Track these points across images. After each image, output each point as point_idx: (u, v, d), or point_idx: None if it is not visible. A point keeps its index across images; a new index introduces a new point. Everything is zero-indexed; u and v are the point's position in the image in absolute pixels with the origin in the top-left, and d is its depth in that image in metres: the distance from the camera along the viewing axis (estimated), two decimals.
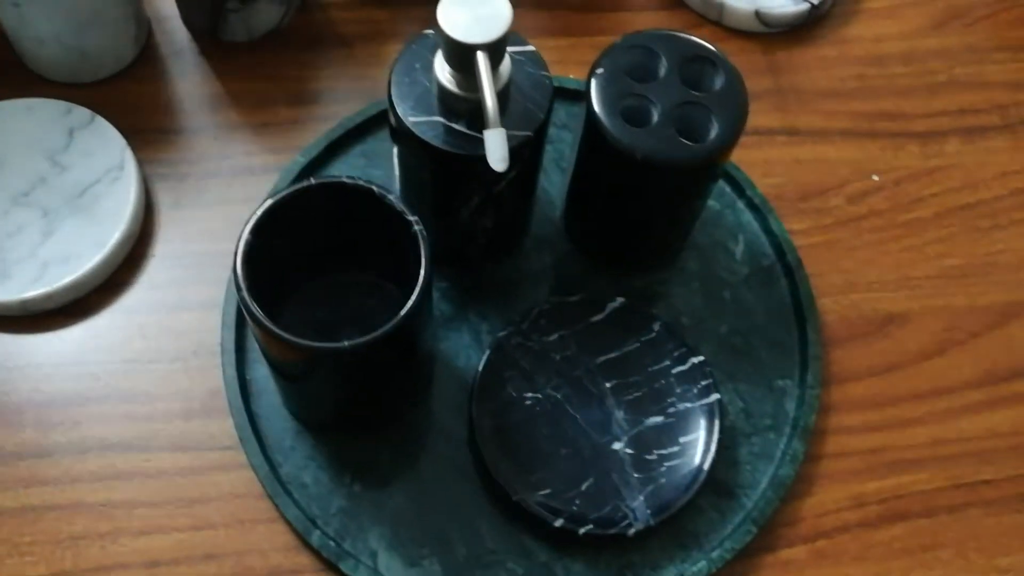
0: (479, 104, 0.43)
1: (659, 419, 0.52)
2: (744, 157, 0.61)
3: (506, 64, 0.46)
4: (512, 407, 0.52)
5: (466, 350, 0.54)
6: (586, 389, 0.52)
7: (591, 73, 0.49)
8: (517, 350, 0.53)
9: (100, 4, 0.56)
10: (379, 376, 0.47)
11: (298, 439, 0.52)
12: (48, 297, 0.53)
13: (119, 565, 0.49)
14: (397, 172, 0.52)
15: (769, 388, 0.55)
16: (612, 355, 0.53)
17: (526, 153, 0.47)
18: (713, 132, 0.48)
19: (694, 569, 0.50)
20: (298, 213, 0.45)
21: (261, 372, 0.53)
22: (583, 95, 0.49)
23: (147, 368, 0.53)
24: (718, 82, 0.49)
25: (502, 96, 0.46)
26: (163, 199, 0.57)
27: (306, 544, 0.49)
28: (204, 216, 0.57)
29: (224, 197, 0.58)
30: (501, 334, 0.52)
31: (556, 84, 0.60)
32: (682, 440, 0.51)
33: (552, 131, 0.60)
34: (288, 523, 0.50)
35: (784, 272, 0.58)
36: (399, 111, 0.46)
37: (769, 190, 0.61)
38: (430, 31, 0.48)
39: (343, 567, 0.48)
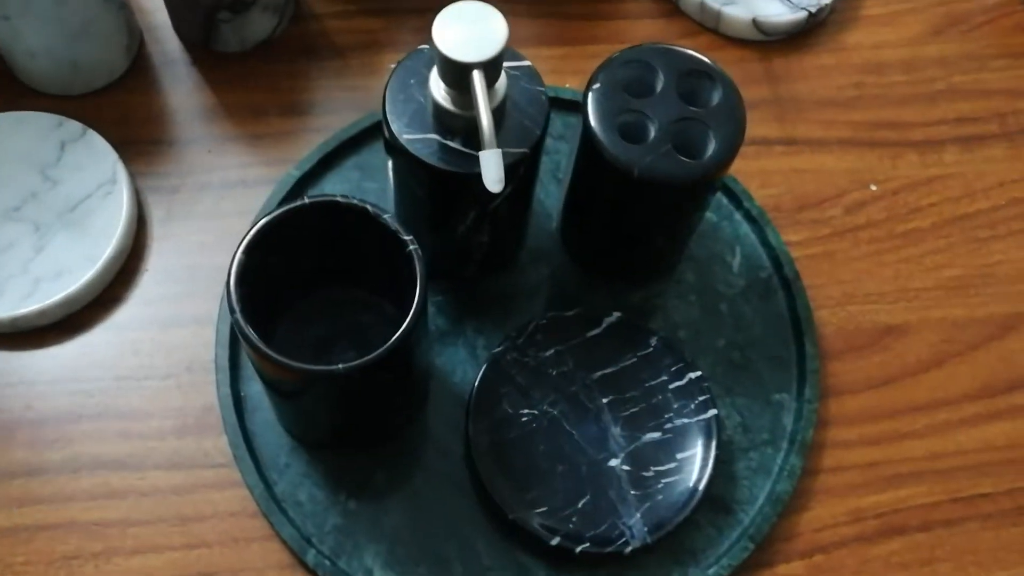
0: (474, 121, 0.42)
1: (656, 435, 0.52)
2: (742, 167, 0.61)
3: (502, 80, 0.45)
4: (508, 424, 0.51)
5: (462, 365, 0.54)
6: (583, 405, 0.52)
7: (588, 88, 0.48)
8: (513, 366, 0.52)
9: (91, 16, 0.55)
10: (374, 396, 0.46)
11: (293, 456, 0.51)
12: (40, 314, 0.52)
13: None
14: (392, 187, 0.51)
15: (767, 402, 0.55)
16: (609, 370, 0.53)
17: (522, 170, 0.47)
18: (711, 148, 0.47)
19: None
20: (292, 231, 0.45)
21: (255, 389, 0.52)
22: (579, 106, 0.49)
23: (140, 385, 0.53)
24: (716, 96, 0.48)
25: (498, 112, 0.45)
26: (155, 212, 0.57)
27: (301, 563, 0.49)
28: (197, 229, 0.57)
29: (217, 210, 0.57)
30: (497, 349, 0.52)
31: (552, 95, 0.60)
32: (679, 456, 0.51)
33: (548, 142, 0.60)
34: (283, 541, 0.49)
35: (782, 284, 0.57)
36: (394, 128, 0.46)
37: (767, 200, 0.60)
38: (425, 46, 0.47)
39: None
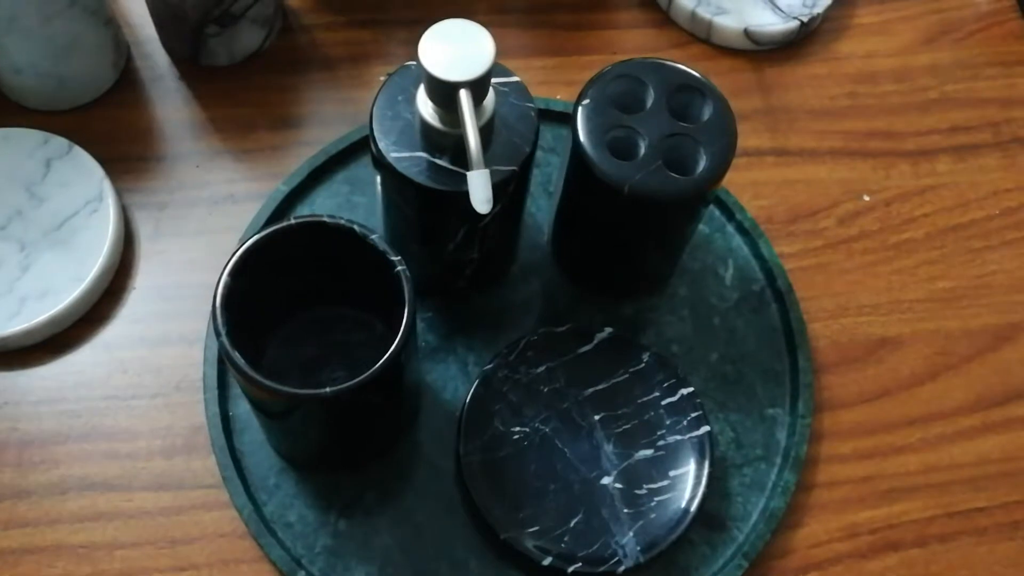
0: (462, 139, 0.42)
1: (649, 452, 0.51)
2: (734, 179, 0.60)
3: (490, 97, 0.45)
4: (500, 442, 0.51)
5: (453, 382, 0.54)
6: (575, 422, 0.52)
7: (577, 103, 0.48)
8: (504, 383, 0.52)
9: (77, 32, 0.55)
10: (363, 416, 0.46)
11: (282, 476, 0.51)
12: (26, 333, 0.52)
13: None
14: (380, 203, 0.51)
15: (760, 417, 0.54)
16: (601, 386, 0.52)
17: (511, 187, 0.46)
18: (702, 164, 0.47)
19: None
20: (278, 252, 0.45)
21: (244, 408, 0.52)
22: (570, 118, 0.48)
23: (128, 405, 0.52)
24: (707, 112, 0.48)
25: (486, 130, 0.45)
26: (143, 229, 0.56)
27: None
28: (185, 246, 0.56)
29: (205, 226, 0.57)
30: (488, 367, 0.52)
31: (543, 106, 0.60)
32: (672, 474, 0.51)
33: (539, 155, 0.60)
34: (273, 563, 0.49)
35: (775, 297, 0.57)
36: (381, 146, 0.45)
37: (759, 212, 0.60)
38: (412, 62, 0.47)
39: None
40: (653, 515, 0.50)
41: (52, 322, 0.52)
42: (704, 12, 0.64)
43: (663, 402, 0.52)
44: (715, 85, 0.48)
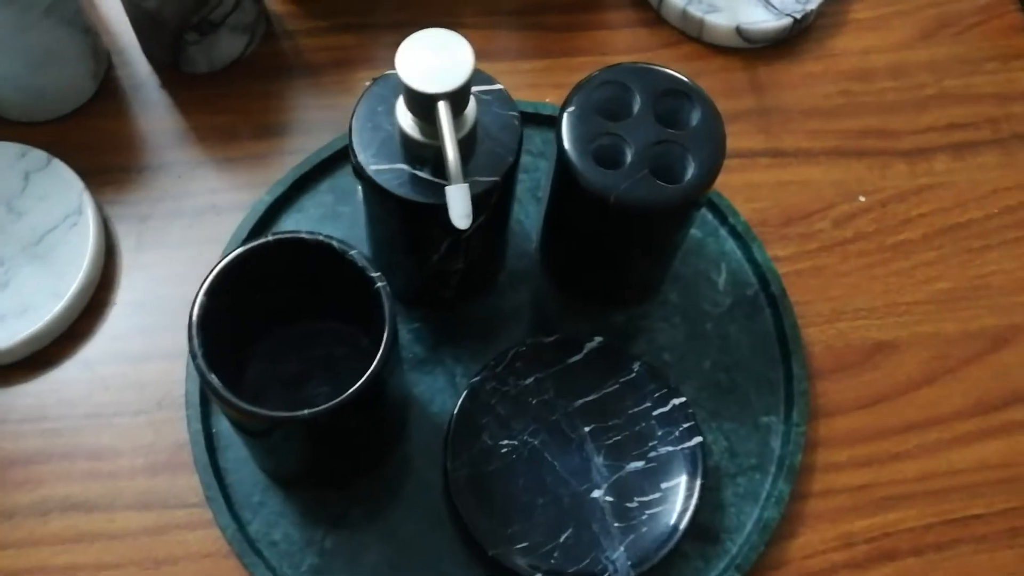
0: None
1: (640, 464, 0.50)
2: (727, 181, 0.59)
3: (471, 106, 0.44)
4: (488, 456, 0.50)
5: (441, 394, 0.53)
6: (564, 434, 0.51)
7: (562, 111, 0.47)
8: (492, 395, 0.51)
9: (54, 43, 0.54)
10: (347, 435, 0.45)
11: (267, 494, 0.50)
12: (6, 352, 0.51)
13: None
14: (364, 214, 0.50)
15: (754, 426, 0.53)
16: (591, 397, 0.51)
17: (494, 198, 0.45)
18: (690, 171, 0.46)
19: None
20: (257, 269, 0.44)
21: (228, 424, 0.51)
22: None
23: (110, 422, 0.51)
24: (695, 117, 0.47)
25: (468, 139, 0.44)
26: (124, 242, 0.56)
27: None
28: (168, 259, 0.55)
29: (188, 238, 0.56)
30: (475, 379, 0.51)
31: (531, 110, 0.59)
32: (664, 486, 0.50)
33: (527, 160, 0.59)
34: None
35: (768, 302, 0.56)
36: (361, 159, 0.44)
37: (752, 215, 0.59)
38: (392, 71, 0.46)
39: None
40: (644, 529, 0.49)
41: (32, 339, 0.51)
42: (695, 10, 0.63)
43: (654, 413, 0.51)
44: (703, 89, 0.47)
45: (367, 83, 0.46)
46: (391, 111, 0.45)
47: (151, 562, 0.49)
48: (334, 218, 0.56)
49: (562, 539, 0.48)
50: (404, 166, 0.44)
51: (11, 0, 0.50)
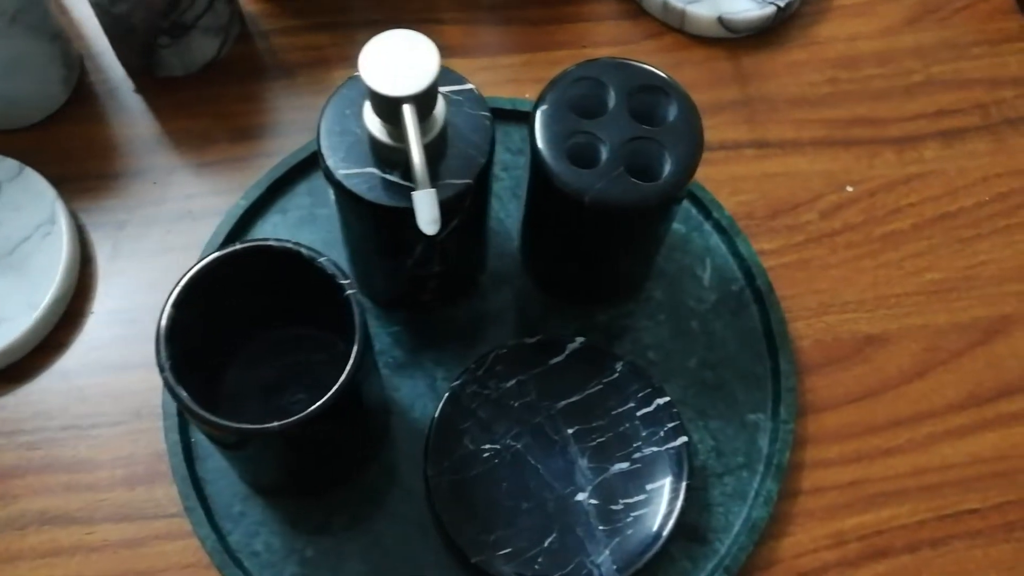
0: None
1: (624, 465, 0.50)
2: (711, 174, 0.58)
3: (441, 107, 0.43)
4: (470, 461, 0.49)
5: (422, 399, 0.52)
6: (547, 437, 0.50)
7: (535, 109, 0.46)
8: (473, 399, 0.50)
9: (22, 50, 0.53)
10: (323, 444, 0.44)
11: (247, 503, 0.49)
12: None
13: None
14: (337, 218, 0.49)
15: (741, 424, 0.52)
16: (574, 399, 0.51)
17: (467, 201, 0.44)
18: (667, 168, 0.45)
19: None
20: (227, 277, 0.43)
21: None
22: None
23: (88, 434, 0.51)
24: (671, 113, 0.46)
25: (438, 141, 0.43)
26: (100, 251, 0.55)
27: None
28: (144, 267, 0.55)
29: (165, 245, 0.55)
30: (455, 383, 0.50)
31: (509, 107, 0.58)
32: (649, 487, 0.49)
33: (507, 157, 0.58)
34: None
35: (755, 297, 0.55)
36: (329, 163, 0.43)
37: (738, 208, 0.58)
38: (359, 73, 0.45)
39: None
40: (630, 531, 0.48)
41: (7, 352, 0.51)
42: (677, 1, 0.61)
43: (638, 413, 0.50)
44: (679, 83, 0.46)
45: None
46: (359, 114, 0.44)
47: (132, 574, 0.48)
48: (312, 221, 0.56)
49: (546, 544, 0.48)
50: (374, 170, 0.43)
51: None
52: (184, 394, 0.39)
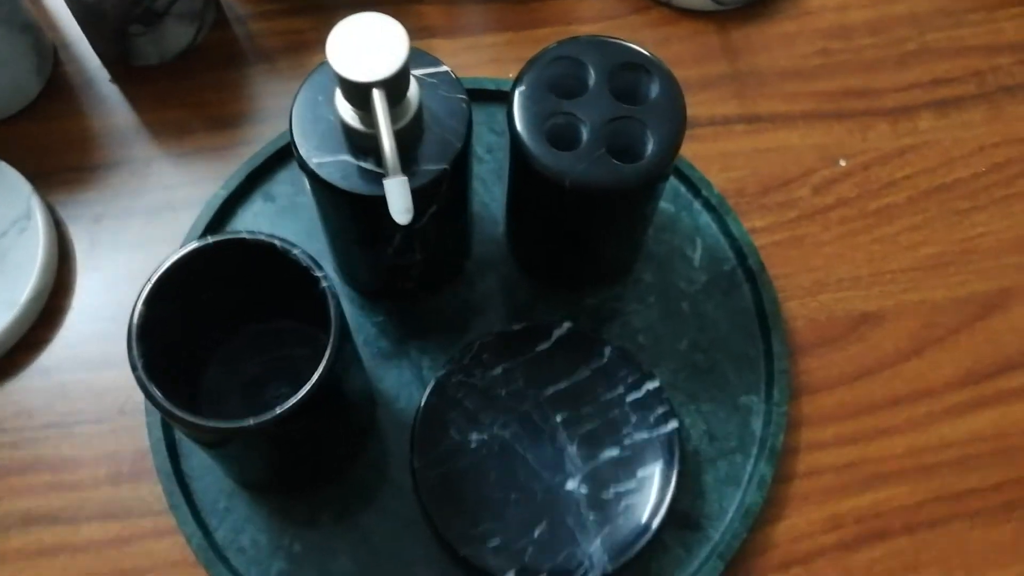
0: None
1: (615, 452, 0.49)
2: (700, 151, 0.57)
3: (414, 90, 0.41)
4: (457, 452, 0.48)
5: (407, 389, 0.51)
6: (536, 425, 0.49)
7: (512, 90, 0.45)
8: (459, 389, 0.49)
9: None
10: (305, 439, 0.43)
11: (233, 499, 0.49)
12: None
13: None
14: (315, 207, 0.48)
15: (734, 407, 0.51)
16: (562, 386, 0.50)
17: (444, 187, 0.43)
18: (650, 148, 0.43)
19: None
20: (201, 272, 0.42)
21: None
22: None
23: (70, 432, 0.50)
24: (653, 91, 0.44)
25: (412, 126, 0.42)
26: (79, 245, 0.54)
27: None
28: (124, 260, 0.54)
29: (144, 237, 0.54)
30: (440, 373, 0.49)
31: (492, 87, 0.57)
32: (640, 474, 0.48)
33: (492, 139, 0.57)
34: None
35: (746, 277, 0.54)
36: (302, 152, 0.42)
37: (728, 185, 0.57)
38: None
39: None
40: (621, 519, 0.47)
41: None
42: None
43: (628, 398, 0.49)
44: (661, 60, 0.45)
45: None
46: (332, 100, 0.42)
47: (118, 573, 0.48)
48: (293, 209, 0.55)
49: (536, 534, 0.47)
50: (348, 157, 0.42)
51: None
52: (157, 393, 0.38)
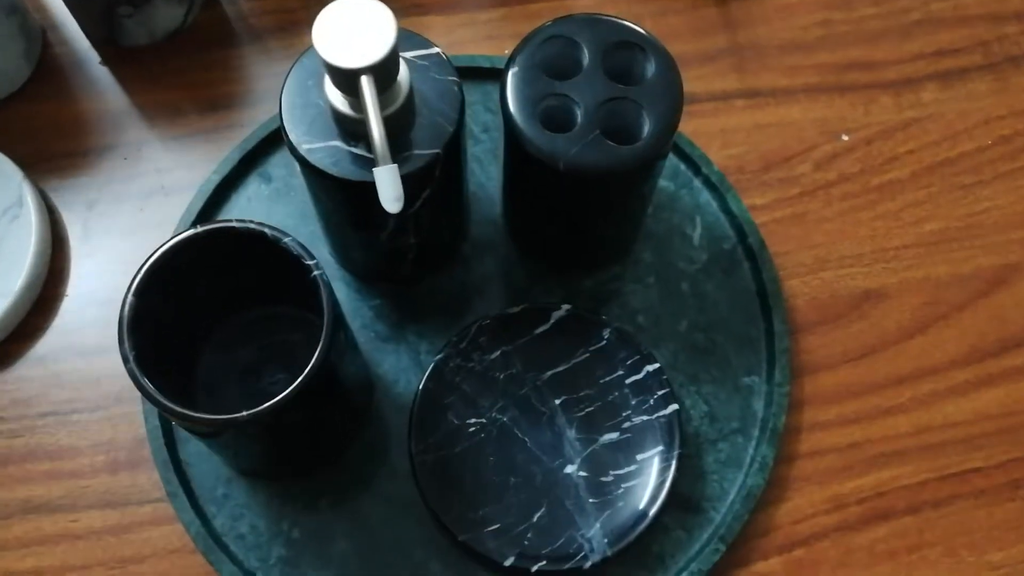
0: None
1: (614, 435, 0.48)
2: (700, 127, 0.56)
3: (405, 74, 0.41)
4: (455, 437, 0.48)
5: (405, 373, 0.51)
6: (534, 409, 0.49)
7: (505, 71, 0.44)
8: (456, 373, 0.49)
9: None
10: (301, 427, 0.43)
11: (231, 486, 0.48)
12: None
13: None
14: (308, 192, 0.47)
15: (735, 387, 0.51)
16: (560, 369, 0.49)
17: (437, 171, 0.42)
18: (646, 129, 0.42)
19: None
20: (192, 261, 0.41)
21: None
22: None
23: (67, 420, 0.50)
24: (648, 70, 0.43)
25: (403, 111, 0.41)
26: (72, 231, 0.53)
27: None
28: (117, 246, 0.53)
29: (137, 222, 0.54)
30: (438, 357, 0.49)
31: (487, 65, 0.56)
32: (640, 457, 0.48)
33: (488, 118, 0.56)
34: None
35: (747, 255, 0.53)
36: (292, 138, 0.42)
37: (728, 162, 0.56)
38: None
39: None
40: (621, 503, 0.47)
41: None
42: None
43: (627, 381, 0.49)
44: (656, 38, 0.44)
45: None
46: (321, 85, 0.42)
47: (117, 561, 0.48)
48: (287, 193, 0.54)
49: (535, 519, 0.47)
50: (338, 143, 0.41)
51: None
52: (149, 385, 0.38)
